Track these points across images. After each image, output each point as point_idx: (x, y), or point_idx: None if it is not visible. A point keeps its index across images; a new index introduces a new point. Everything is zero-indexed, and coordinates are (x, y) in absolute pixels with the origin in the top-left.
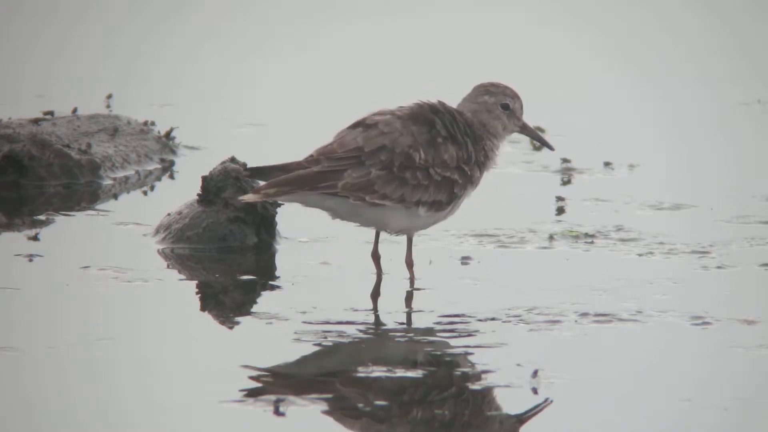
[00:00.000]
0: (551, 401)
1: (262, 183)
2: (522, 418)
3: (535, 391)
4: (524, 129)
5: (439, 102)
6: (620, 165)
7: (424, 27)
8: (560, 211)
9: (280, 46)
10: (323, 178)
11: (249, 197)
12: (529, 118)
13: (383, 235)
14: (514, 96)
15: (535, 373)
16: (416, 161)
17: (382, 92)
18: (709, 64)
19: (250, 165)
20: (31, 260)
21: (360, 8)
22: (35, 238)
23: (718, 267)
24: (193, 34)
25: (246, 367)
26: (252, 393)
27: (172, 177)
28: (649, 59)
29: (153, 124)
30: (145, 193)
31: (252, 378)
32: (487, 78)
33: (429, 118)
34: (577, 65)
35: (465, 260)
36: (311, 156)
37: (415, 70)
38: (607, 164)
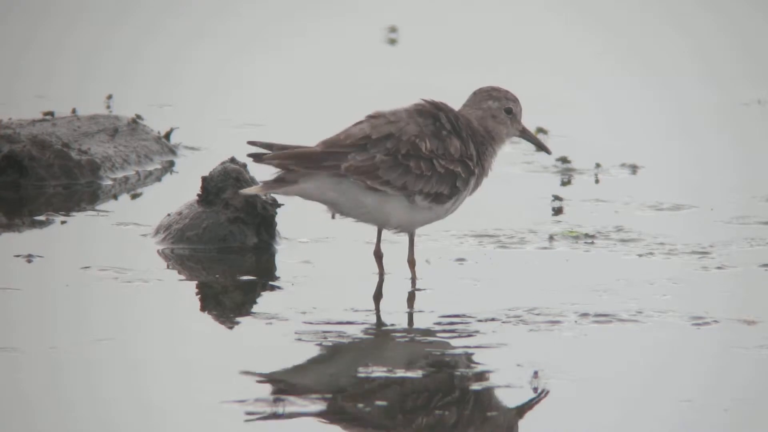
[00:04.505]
0: (546, 393)
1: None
2: (522, 416)
3: (535, 391)
4: (524, 133)
5: (441, 102)
6: (621, 165)
7: (425, 25)
8: (557, 211)
9: (280, 45)
10: (327, 157)
11: (250, 190)
12: (532, 119)
13: (384, 234)
14: (515, 100)
15: (535, 374)
16: (422, 150)
17: (383, 90)
18: (711, 64)
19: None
20: (30, 261)
21: (362, 5)
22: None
23: (718, 267)
24: (192, 34)
25: (247, 370)
26: (253, 394)
27: (171, 177)
28: (650, 59)
29: (140, 117)
30: (145, 193)
31: (253, 379)
32: (485, 82)
33: (433, 113)
34: (579, 65)
35: (459, 261)
36: (318, 146)
37: (416, 68)
38: (603, 164)
